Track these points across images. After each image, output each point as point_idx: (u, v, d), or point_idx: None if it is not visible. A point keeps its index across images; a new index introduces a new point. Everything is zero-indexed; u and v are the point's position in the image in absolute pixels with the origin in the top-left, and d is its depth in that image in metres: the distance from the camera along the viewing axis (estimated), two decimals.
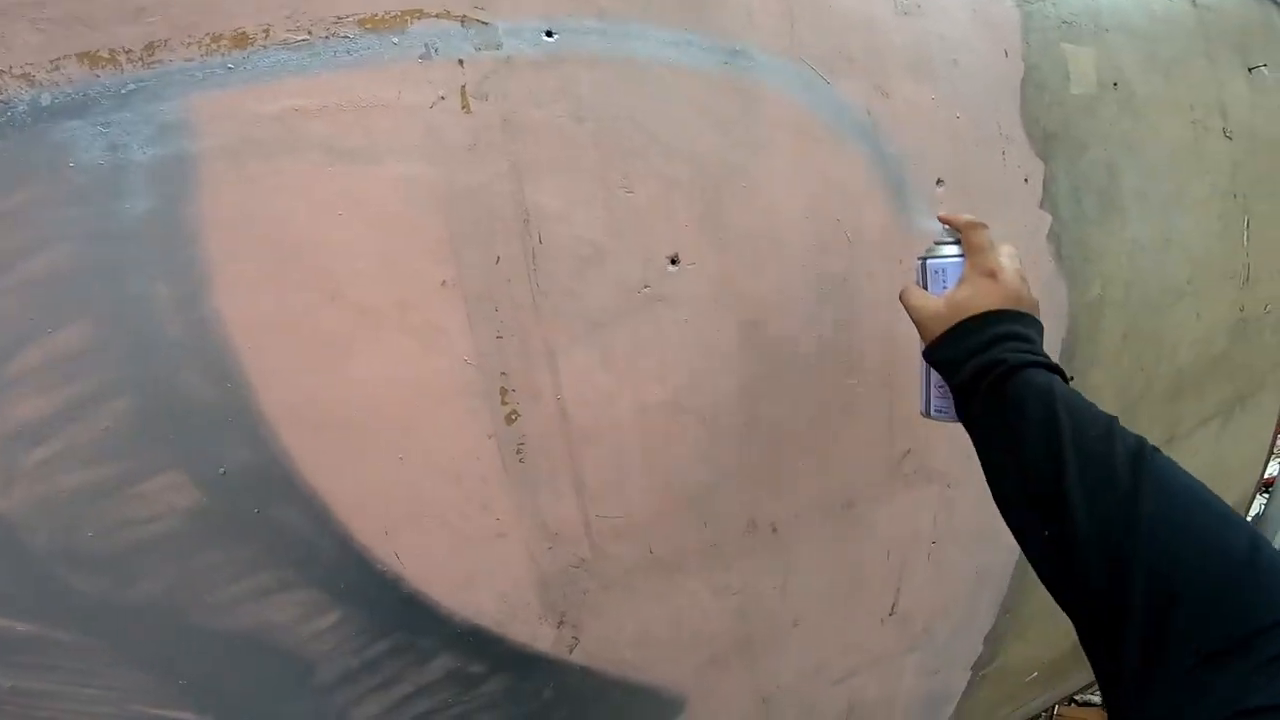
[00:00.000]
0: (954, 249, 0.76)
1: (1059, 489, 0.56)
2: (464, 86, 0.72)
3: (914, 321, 0.76)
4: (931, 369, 0.77)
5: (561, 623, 0.90)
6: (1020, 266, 0.73)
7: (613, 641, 0.96)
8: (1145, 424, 1.45)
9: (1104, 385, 1.31)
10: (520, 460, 0.80)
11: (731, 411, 0.92)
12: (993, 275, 0.70)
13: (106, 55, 0.62)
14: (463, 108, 0.72)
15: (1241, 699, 0.44)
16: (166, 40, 0.64)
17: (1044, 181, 1.13)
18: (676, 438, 0.89)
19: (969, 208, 1.03)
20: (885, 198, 0.98)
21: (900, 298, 0.77)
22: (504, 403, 0.78)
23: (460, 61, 0.72)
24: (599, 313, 0.80)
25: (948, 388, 0.73)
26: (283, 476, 0.72)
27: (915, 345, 0.78)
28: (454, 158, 0.72)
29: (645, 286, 0.83)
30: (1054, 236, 1.15)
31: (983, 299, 0.69)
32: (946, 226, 0.78)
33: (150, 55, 0.63)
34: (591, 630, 0.93)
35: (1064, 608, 0.58)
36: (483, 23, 0.73)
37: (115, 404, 0.65)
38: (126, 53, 0.63)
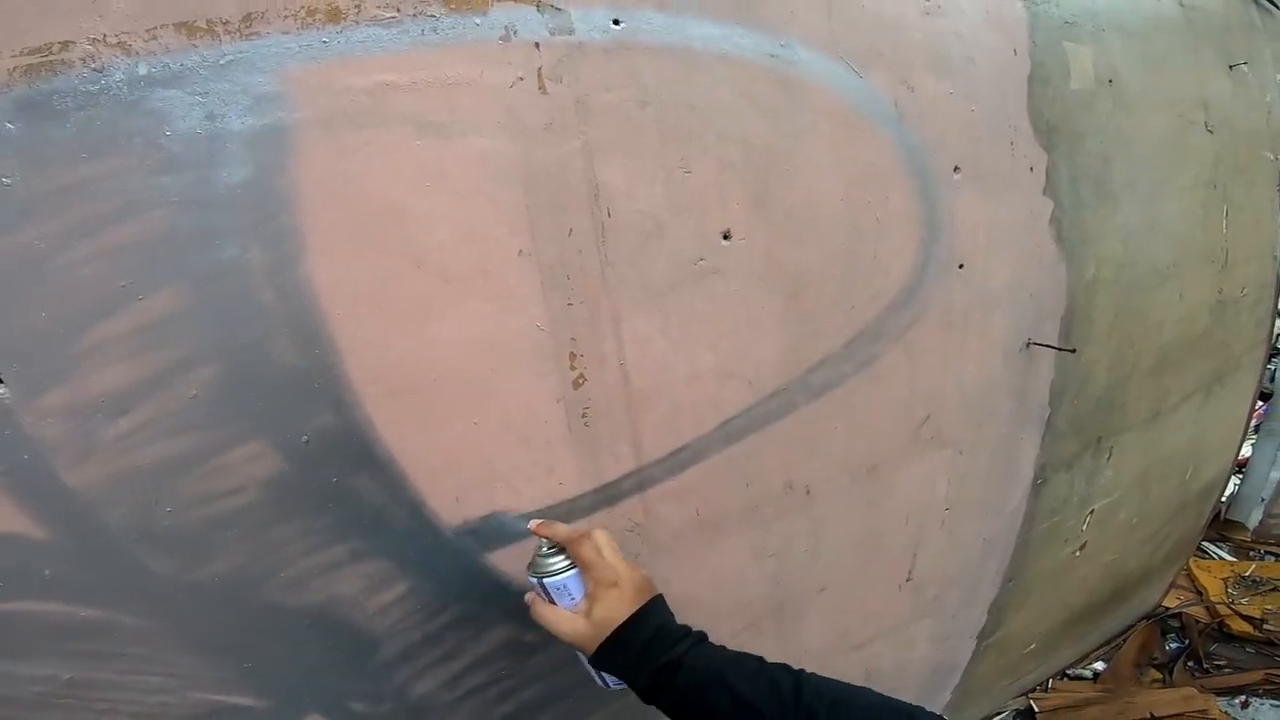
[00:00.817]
0: (563, 560, 0.78)
1: None
2: (540, 69, 0.76)
3: (559, 641, 0.78)
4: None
5: None
6: (616, 546, 0.79)
7: None
8: (1134, 398, 1.54)
9: (1098, 360, 1.40)
10: (585, 424, 0.84)
11: (772, 376, 0.97)
12: (615, 584, 0.76)
13: (204, 25, 0.62)
14: (539, 89, 0.76)
15: None
16: (264, 12, 0.64)
17: (1047, 170, 1.19)
18: (724, 401, 0.94)
19: (983, 192, 1.11)
20: (910, 183, 1.03)
21: (535, 618, 0.78)
22: (572, 367, 0.82)
23: (537, 45, 0.75)
24: (659, 283, 0.85)
25: None
26: (362, 443, 0.74)
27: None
28: (531, 136, 0.76)
29: (701, 259, 0.87)
30: (1055, 221, 1.23)
31: (620, 610, 0.75)
32: (546, 539, 0.80)
33: (248, 26, 0.64)
34: None
35: None
36: (556, 8, 0.76)
37: (203, 372, 0.66)
38: (224, 24, 0.63)
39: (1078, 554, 1.73)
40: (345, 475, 0.74)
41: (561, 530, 0.79)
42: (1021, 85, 1.15)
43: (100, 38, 0.60)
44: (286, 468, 0.71)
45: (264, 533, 0.72)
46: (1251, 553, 2.76)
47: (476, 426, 0.79)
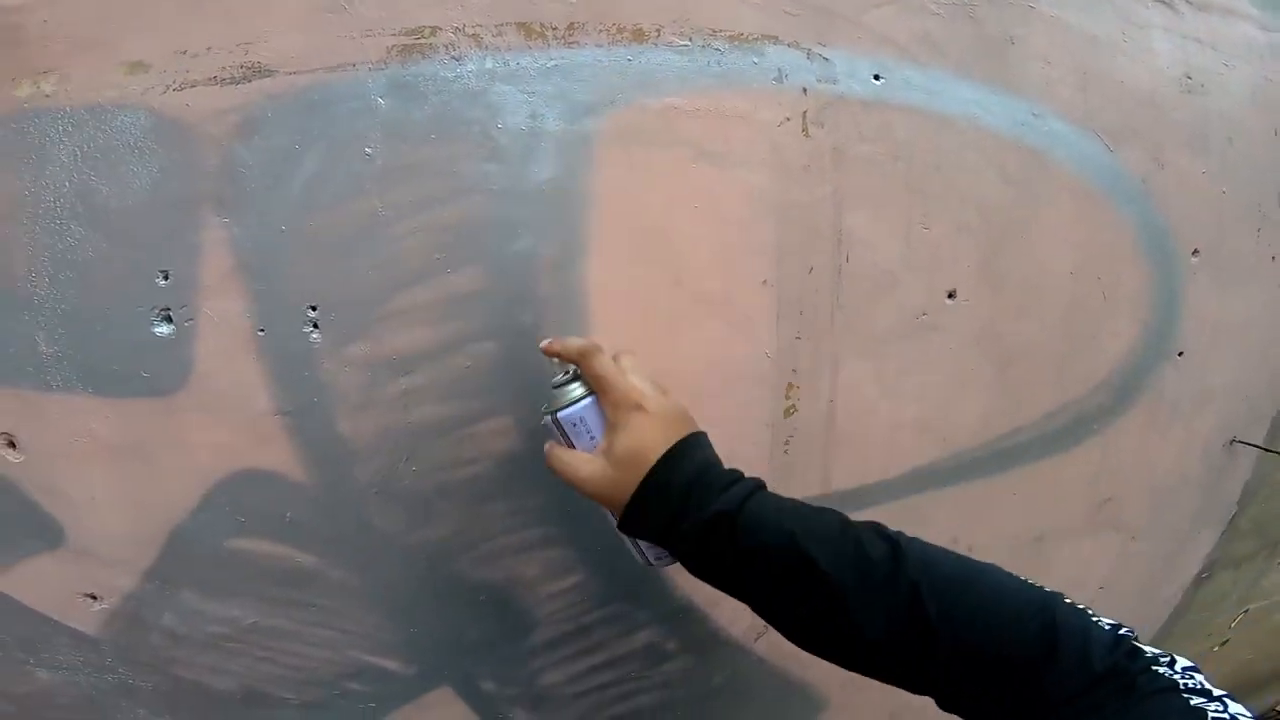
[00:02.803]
0: (579, 388, 0.64)
1: (842, 622, 0.52)
2: (805, 113, 0.78)
3: (583, 495, 0.63)
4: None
5: None
6: (646, 372, 0.64)
7: None
8: None
9: None
10: (786, 452, 0.86)
11: (966, 437, 0.96)
12: (640, 406, 0.59)
13: (538, 28, 0.67)
14: (803, 131, 0.78)
15: None
16: (584, 23, 0.69)
17: None
18: (915, 453, 0.94)
19: (1219, 279, 1.05)
20: (1145, 265, 0.99)
21: (550, 465, 0.64)
22: (787, 397, 0.84)
23: (804, 90, 0.77)
24: (883, 331, 0.85)
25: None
26: None
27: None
28: (791, 175, 0.78)
29: (924, 314, 0.87)
30: None
31: (648, 441, 0.58)
32: (557, 360, 0.65)
33: (570, 35, 0.68)
34: None
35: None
36: (824, 58, 0.78)
37: (481, 346, 0.71)
38: (553, 29, 0.68)
39: (1216, 649, 1.61)
40: None
41: (571, 344, 0.63)
42: (1278, 169, 1.08)
43: (461, 27, 0.65)
44: (521, 446, 0.76)
45: (482, 504, 0.76)
46: None
47: None
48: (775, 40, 0.77)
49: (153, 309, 0.66)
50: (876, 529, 0.55)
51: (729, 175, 0.77)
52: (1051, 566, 1.15)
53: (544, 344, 0.64)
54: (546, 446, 0.65)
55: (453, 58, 0.66)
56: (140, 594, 0.72)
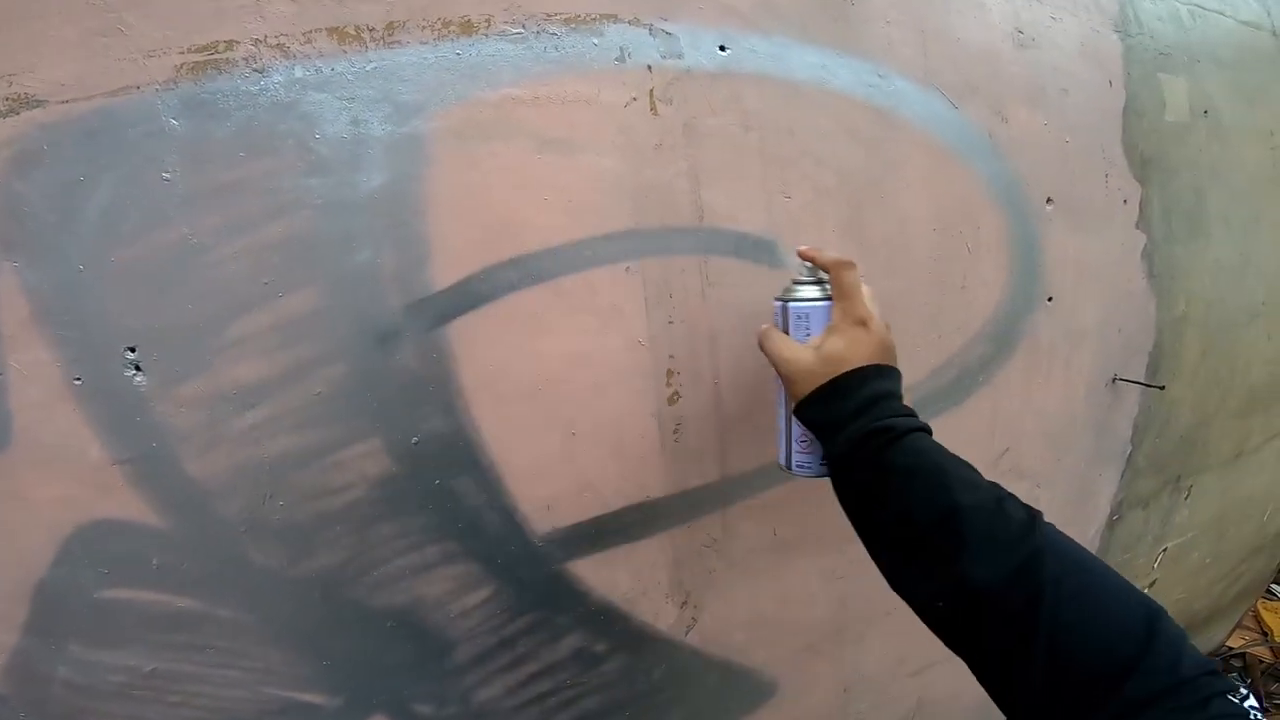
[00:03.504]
0: (817, 291, 0.69)
1: (957, 564, 0.53)
2: (652, 90, 0.75)
3: (779, 373, 0.69)
4: (795, 421, 0.70)
5: (685, 602, 0.92)
6: (880, 310, 0.68)
7: (726, 623, 0.97)
8: (1217, 437, 1.46)
9: (1183, 399, 1.33)
10: (676, 440, 0.83)
11: None
12: (864, 324, 0.65)
13: (353, 31, 0.64)
14: (651, 110, 0.76)
15: None
16: (405, 22, 0.65)
17: (1140, 203, 1.15)
18: None
19: (1075, 225, 1.08)
20: (1001, 215, 1.00)
21: (761, 344, 0.70)
22: (668, 384, 0.81)
23: (649, 67, 0.75)
24: (755, 304, 0.84)
25: (814, 441, 0.68)
26: (467, 447, 0.74)
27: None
28: (642, 155, 0.75)
29: None
30: (1147, 255, 1.18)
31: (857, 352, 0.63)
32: (809, 264, 0.70)
33: (390, 35, 0.65)
34: (710, 611, 0.94)
35: (964, 660, 0.56)
36: (667, 33, 0.76)
37: (330, 370, 0.67)
38: (370, 30, 0.64)
39: (1147, 590, 1.66)
40: (448, 477, 0.74)
41: (828, 255, 0.68)
42: (1116, 117, 1.12)
43: (262, 38, 0.61)
44: (395, 467, 0.71)
45: (366, 530, 0.72)
46: None
47: (573, 437, 0.79)
48: (614, 19, 0.75)
49: None
50: (1020, 502, 0.57)
51: (577, 162, 0.73)
52: None
53: (801, 248, 0.70)
54: (763, 327, 0.70)
55: (255, 70, 0.62)
56: (25, 648, 0.67)
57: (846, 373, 0.63)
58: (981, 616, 0.53)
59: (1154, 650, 0.47)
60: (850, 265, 0.66)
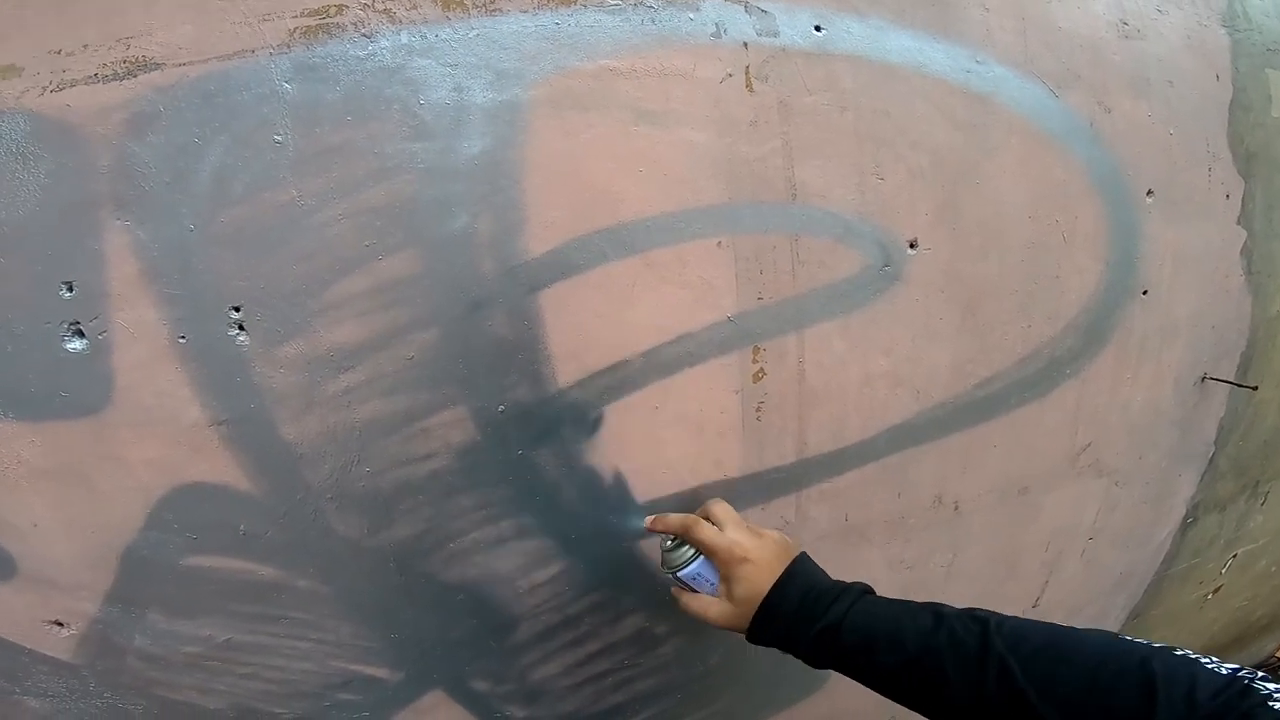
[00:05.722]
0: (689, 550, 0.68)
1: (944, 698, 0.54)
2: (748, 67, 0.68)
3: (713, 626, 0.68)
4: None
5: None
6: (735, 517, 0.68)
7: None
8: None
9: (1270, 401, 1.17)
10: (758, 419, 0.76)
11: (941, 388, 0.85)
12: (745, 559, 0.65)
13: None
14: (746, 86, 0.68)
15: None
16: None
17: (1243, 198, 1.01)
18: (891, 408, 0.83)
19: (1175, 217, 0.94)
20: (1100, 204, 0.88)
21: (684, 609, 0.70)
22: (754, 360, 0.73)
23: (745, 44, 0.68)
24: (845, 284, 0.75)
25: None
26: (553, 418, 0.68)
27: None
28: (737, 131, 0.68)
29: (886, 265, 0.77)
30: (1246, 252, 1.03)
31: (760, 585, 0.64)
32: (662, 533, 0.71)
33: (492, 2, 0.60)
34: None
35: None
36: (763, 10, 0.69)
37: (424, 335, 0.62)
38: None
39: (1210, 597, 1.48)
40: (530, 449, 0.69)
41: (673, 521, 0.69)
42: (1223, 111, 0.98)
43: (370, 3, 0.57)
44: (479, 437, 0.66)
45: (446, 501, 0.67)
46: None
47: (656, 411, 0.72)
48: None
49: (61, 324, 0.56)
50: (971, 614, 0.57)
51: (672, 135, 0.67)
52: (1040, 517, 1.04)
53: (648, 524, 0.72)
54: (675, 593, 0.71)
55: (363, 35, 0.57)
56: (105, 618, 0.64)
57: (762, 604, 0.63)
58: None
59: (1159, 701, 0.43)
60: (694, 523, 0.68)
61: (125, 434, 0.59)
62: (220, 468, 0.61)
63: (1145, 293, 0.95)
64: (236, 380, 0.59)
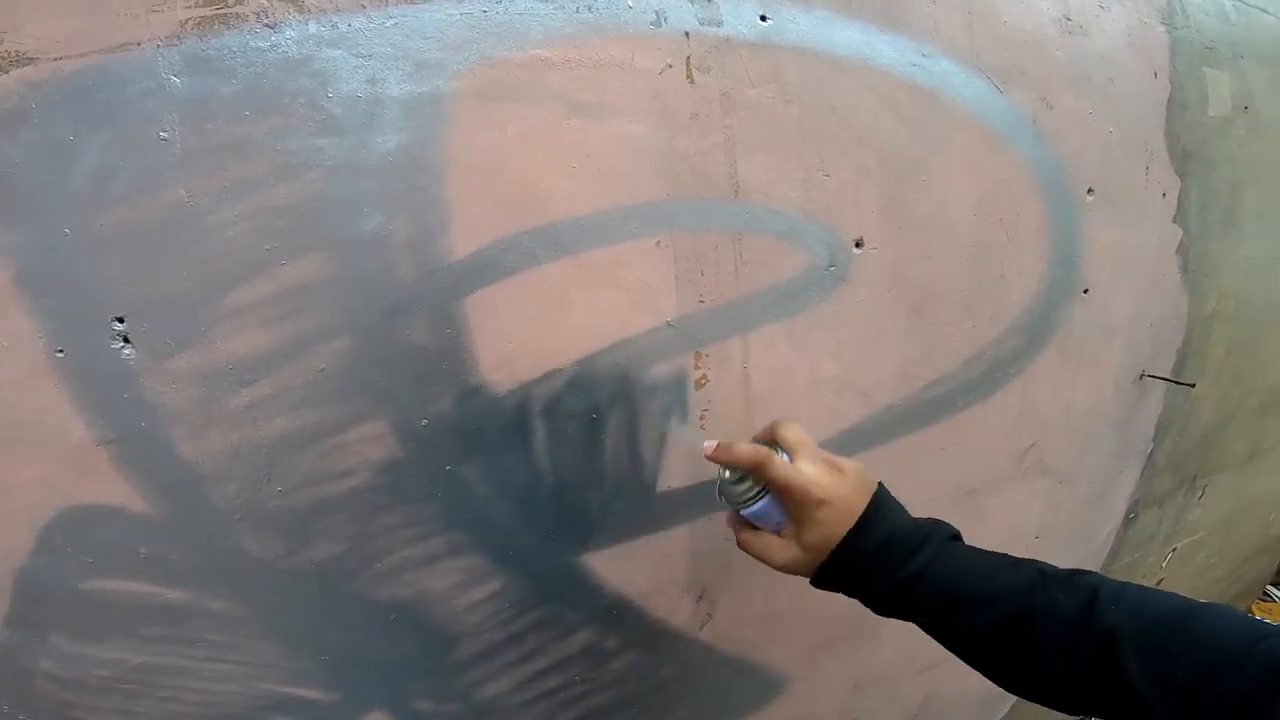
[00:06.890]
0: (753, 485, 0.59)
1: (1034, 670, 0.50)
2: (689, 58, 0.64)
3: (778, 570, 0.61)
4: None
5: (700, 597, 0.82)
6: (811, 446, 0.59)
7: (741, 619, 0.87)
8: (1234, 437, 1.33)
9: (1207, 396, 1.21)
10: (702, 427, 0.73)
11: (888, 392, 0.84)
12: (822, 501, 0.56)
13: None
14: (687, 78, 0.65)
15: None
16: None
17: (1179, 197, 1.02)
18: (839, 412, 0.81)
19: (1114, 216, 0.95)
20: (1042, 203, 0.88)
21: (743, 547, 0.62)
22: (696, 367, 0.70)
23: (687, 34, 0.64)
24: (790, 285, 0.72)
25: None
26: (483, 431, 0.64)
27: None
28: (677, 124, 0.64)
29: (831, 265, 0.74)
30: (1182, 250, 1.05)
31: (838, 528, 0.55)
32: (723, 465, 0.62)
33: None
34: (725, 606, 0.84)
35: None
36: None
37: (335, 344, 0.57)
38: None
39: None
40: (458, 464, 0.64)
41: (742, 454, 0.58)
42: (1160, 109, 0.98)
43: None
44: (402, 452, 0.62)
45: (369, 519, 0.63)
46: None
47: (595, 420, 0.68)
48: None
49: None
50: (1077, 577, 0.51)
51: (608, 128, 0.63)
52: (986, 518, 1.04)
53: (710, 453, 0.61)
54: (738, 533, 0.63)
55: (266, 25, 0.52)
56: (8, 641, 0.59)
57: (840, 544, 0.56)
58: (1087, 705, 0.48)
59: None
60: (767, 458, 0.57)
61: (4, 453, 0.53)
62: (112, 489, 0.55)
63: (1086, 291, 0.95)
64: (124, 396, 0.53)
